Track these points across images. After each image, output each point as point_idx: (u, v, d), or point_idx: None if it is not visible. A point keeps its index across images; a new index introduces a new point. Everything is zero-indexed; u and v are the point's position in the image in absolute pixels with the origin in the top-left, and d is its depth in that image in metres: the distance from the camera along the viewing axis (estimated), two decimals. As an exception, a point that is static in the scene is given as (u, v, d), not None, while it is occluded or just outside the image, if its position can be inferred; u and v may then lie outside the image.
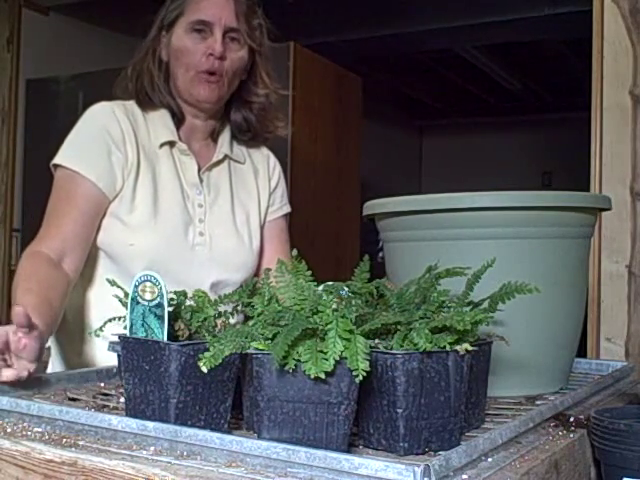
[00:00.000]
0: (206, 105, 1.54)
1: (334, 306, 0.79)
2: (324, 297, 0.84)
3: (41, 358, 1.13)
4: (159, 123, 1.54)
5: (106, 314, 1.05)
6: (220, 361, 0.80)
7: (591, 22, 2.42)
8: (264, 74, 1.60)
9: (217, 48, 1.47)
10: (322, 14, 4.35)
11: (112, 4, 3.83)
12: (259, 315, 0.89)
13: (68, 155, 1.47)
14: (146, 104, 1.54)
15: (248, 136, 1.64)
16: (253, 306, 0.93)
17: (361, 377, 0.74)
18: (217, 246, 1.53)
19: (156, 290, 0.89)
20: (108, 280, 1.08)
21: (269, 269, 1.01)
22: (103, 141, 1.47)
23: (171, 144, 1.54)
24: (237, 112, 1.61)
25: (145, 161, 1.50)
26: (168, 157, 1.53)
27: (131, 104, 1.55)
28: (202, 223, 1.52)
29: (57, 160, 1.47)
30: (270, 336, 0.80)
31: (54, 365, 1.56)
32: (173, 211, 1.49)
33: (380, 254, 1.32)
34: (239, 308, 1.05)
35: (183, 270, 1.48)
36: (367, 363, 0.74)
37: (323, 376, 0.74)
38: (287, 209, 1.73)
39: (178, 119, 1.55)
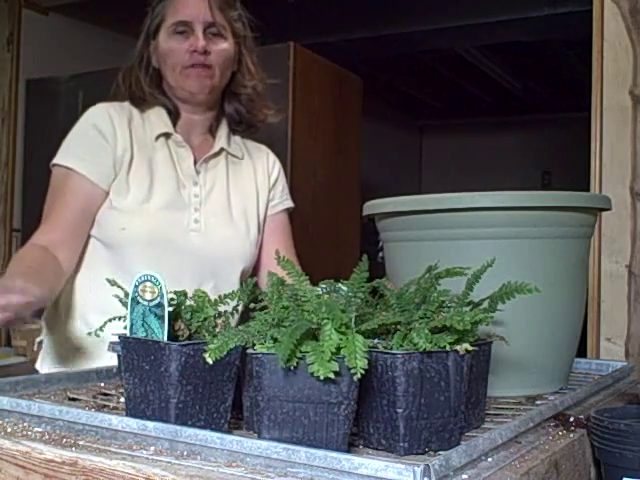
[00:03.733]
0: (200, 97, 1.56)
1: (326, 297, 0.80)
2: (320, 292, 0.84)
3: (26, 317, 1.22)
4: (155, 118, 1.58)
5: (100, 305, 1.06)
6: (225, 353, 0.79)
7: (591, 22, 2.42)
8: (250, 64, 1.63)
9: (199, 44, 1.51)
10: (322, 14, 4.35)
11: (112, 4, 3.83)
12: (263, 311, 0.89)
13: (62, 154, 1.53)
14: (141, 104, 1.59)
15: (242, 127, 1.67)
16: (259, 308, 0.93)
17: (360, 375, 0.74)
18: (212, 233, 1.55)
19: (156, 290, 0.89)
20: (108, 280, 1.08)
21: (273, 273, 1.00)
22: (94, 137, 1.52)
23: (167, 136, 1.57)
24: (229, 105, 1.65)
25: (140, 153, 1.54)
26: (164, 149, 1.57)
27: (128, 104, 1.60)
28: (197, 212, 1.55)
29: (55, 160, 1.53)
30: (277, 336, 0.80)
31: (46, 360, 1.56)
32: (167, 197, 1.52)
33: (380, 254, 1.32)
34: (239, 308, 1.05)
35: (177, 256, 1.49)
36: (365, 361, 0.74)
37: (332, 376, 0.74)
38: (288, 204, 1.74)
39: (174, 116, 1.59)
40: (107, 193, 1.50)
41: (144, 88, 1.58)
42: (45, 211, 1.51)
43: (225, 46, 1.56)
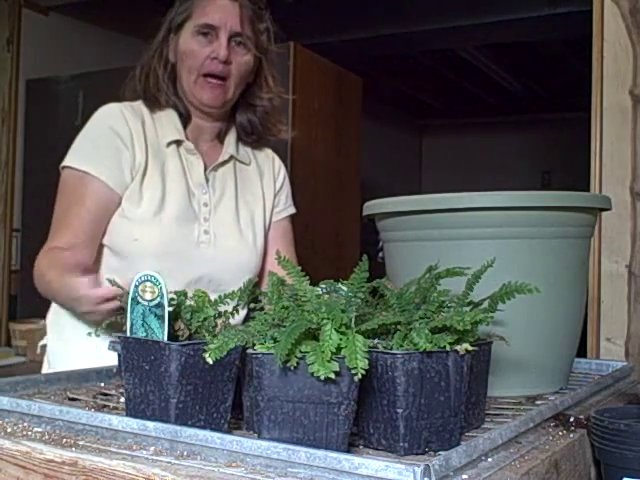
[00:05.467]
0: (210, 109, 1.55)
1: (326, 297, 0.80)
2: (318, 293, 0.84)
3: None
4: (166, 122, 1.55)
5: None
6: (225, 353, 0.79)
7: (591, 22, 2.42)
8: (269, 78, 1.62)
9: (221, 52, 1.49)
10: (322, 14, 4.35)
11: (112, 4, 3.82)
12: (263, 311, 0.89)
13: (77, 156, 1.48)
14: (153, 104, 1.56)
15: (252, 138, 1.66)
16: (259, 308, 0.93)
17: (360, 375, 0.74)
18: (221, 245, 1.54)
19: (156, 290, 0.89)
20: (109, 280, 1.08)
21: (273, 273, 1.00)
22: (111, 141, 1.48)
23: (178, 143, 1.55)
24: (242, 114, 1.63)
25: (153, 160, 1.51)
26: (175, 156, 1.54)
27: (139, 104, 1.56)
28: (207, 222, 1.53)
29: (66, 162, 1.48)
30: (277, 337, 0.80)
31: (50, 364, 1.56)
32: (179, 208, 1.50)
33: (380, 254, 1.32)
34: (239, 308, 1.05)
35: (187, 268, 1.48)
36: (366, 362, 0.74)
37: (333, 376, 0.74)
38: (292, 210, 1.74)
39: (185, 119, 1.57)
40: (121, 200, 1.47)
41: (161, 85, 1.55)
42: (57, 215, 1.47)
43: (247, 58, 1.54)
